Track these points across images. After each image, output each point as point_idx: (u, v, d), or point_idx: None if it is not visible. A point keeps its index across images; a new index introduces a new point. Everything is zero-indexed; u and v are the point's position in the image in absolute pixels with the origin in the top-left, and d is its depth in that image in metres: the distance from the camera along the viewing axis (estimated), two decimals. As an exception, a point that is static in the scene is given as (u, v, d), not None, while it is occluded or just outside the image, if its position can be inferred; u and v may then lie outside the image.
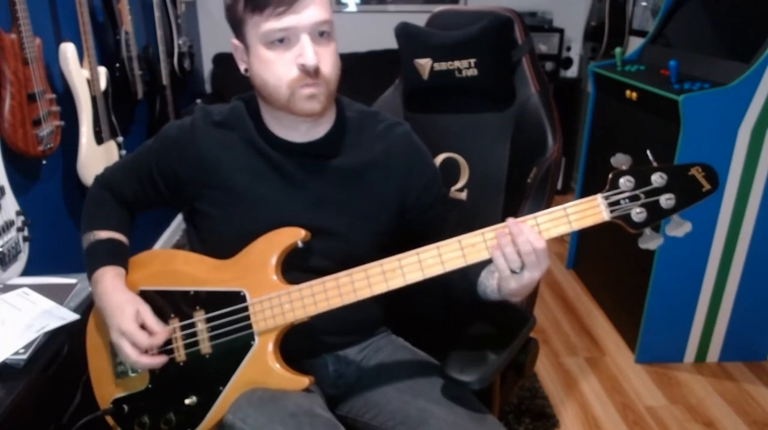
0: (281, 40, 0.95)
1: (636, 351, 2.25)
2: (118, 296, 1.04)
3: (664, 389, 2.11)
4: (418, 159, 1.13)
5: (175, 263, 1.10)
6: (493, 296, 1.03)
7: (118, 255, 1.11)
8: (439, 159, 1.45)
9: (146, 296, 1.06)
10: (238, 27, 1.00)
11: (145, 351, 1.02)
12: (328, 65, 0.97)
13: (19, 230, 1.53)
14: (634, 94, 2.23)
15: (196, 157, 1.06)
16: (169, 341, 1.05)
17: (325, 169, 1.07)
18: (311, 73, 0.95)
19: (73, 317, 1.27)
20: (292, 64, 0.95)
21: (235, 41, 1.02)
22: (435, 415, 1.01)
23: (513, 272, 0.90)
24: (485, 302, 1.06)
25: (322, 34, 0.96)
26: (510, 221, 0.90)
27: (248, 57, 1.00)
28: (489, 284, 1.03)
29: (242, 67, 1.03)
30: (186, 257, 1.10)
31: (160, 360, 1.03)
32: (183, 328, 1.05)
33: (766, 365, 2.24)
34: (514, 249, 0.88)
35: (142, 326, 1.01)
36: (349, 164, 1.07)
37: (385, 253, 0.95)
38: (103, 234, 1.12)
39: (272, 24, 0.93)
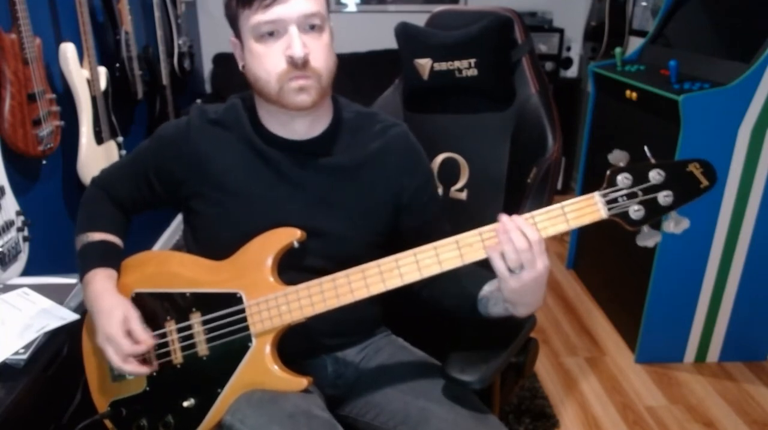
0: (271, 34, 0.95)
1: (636, 351, 2.25)
2: (108, 299, 1.03)
3: (664, 389, 2.11)
4: (414, 158, 1.13)
5: (169, 264, 1.09)
6: (496, 310, 0.99)
7: (110, 257, 1.11)
8: (439, 159, 1.45)
9: (142, 298, 1.06)
10: (234, 23, 1.00)
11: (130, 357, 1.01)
12: (319, 58, 0.97)
13: (19, 230, 1.53)
14: (634, 94, 2.23)
15: (190, 156, 1.06)
16: (165, 344, 1.05)
17: (321, 168, 1.06)
18: (299, 65, 0.94)
19: (73, 317, 1.27)
20: (280, 57, 0.95)
21: (233, 38, 1.03)
22: (436, 414, 1.01)
23: (511, 271, 0.88)
24: (486, 319, 1.03)
25: (312, 27, 0.96)
26: (503, 217, 0.88)
27: (243, 53, 1.01)
28: (492, 296, 1.00)
29: (240, 64, 1.03)
30: (181, 259, 1.09)
31: (143, 370, 1.01)
32: (179, 330, 1.04)
33: (766, 365, 2.24)
34: (512, 247, 0.86)
35: (129, 333, 1.00)
36: (345, 163, 1.07)
37: (381, 253, 0.95)
38: (97, 236, 1.12)
39: (260, 16, 0.93)
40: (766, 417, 1.97)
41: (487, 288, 1.02)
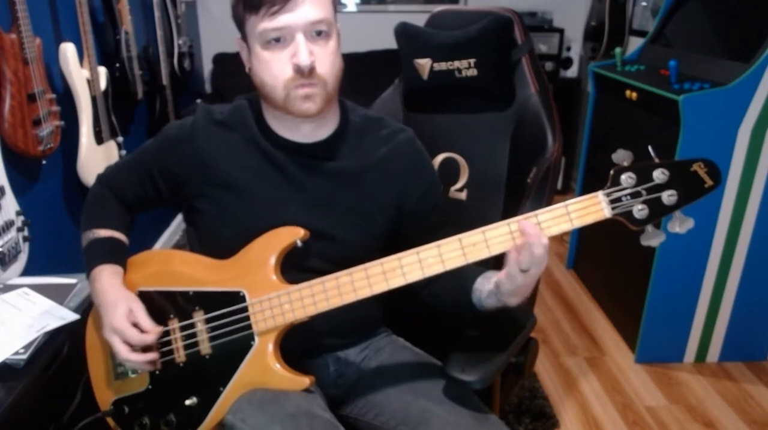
0: (277, 40, 0.95)
1: (636, 351, 2.25)
2: (114, 293, 1.04)
3: (664, 389, 2.11)
4: (420, 165, 1.13)
5: (173, 263, 1.10)
6: (490, 302, 1.00)
7: (116, 253, 1.11)
8: (439, 159, 1.45)
9: (145, 296, 1.06)
10: (240, 27, 1.00)
11: (137, 349, 1.01)
12: (325, 65, 0.97)
13: (19, 230, 1.53)
14: (634, 94, 2.23)
15: (194, 156, 1.06)
16: (168, 342, 1.05)
17: (326, 171, 1.06)
18: (305, 73, 0.94)
19: (73, 317, 1.27)
20: (287, 64, 0.95)
21: (240, 41, 1.03)
22: (437, 415, 1.01)
23: (522, 271, 0.89)
24: (481, 312, 1.03)
25: (319, 33, 0.96)
26: (525, 224, 0.88)
27: (249, 56, 1.01)
28: (485, 289, 1.00)
29: (247, 67, 1.04)
30: (184, 257, 1.10)
31: (150, 357, 1.02)
32: (182, 328, 1.04)
33: (766, 365, 2.24)
34: (531, 254, 0.87)
35: (135, 325, 1.01)
36: (350, 167, 1.07)
37: (382, 256, 0.95)
38: (103, 232, 1.12)
39: (267, 23, 0.93)
40: (766, 417, 1.97)
41: (480, 280, 1.02)
